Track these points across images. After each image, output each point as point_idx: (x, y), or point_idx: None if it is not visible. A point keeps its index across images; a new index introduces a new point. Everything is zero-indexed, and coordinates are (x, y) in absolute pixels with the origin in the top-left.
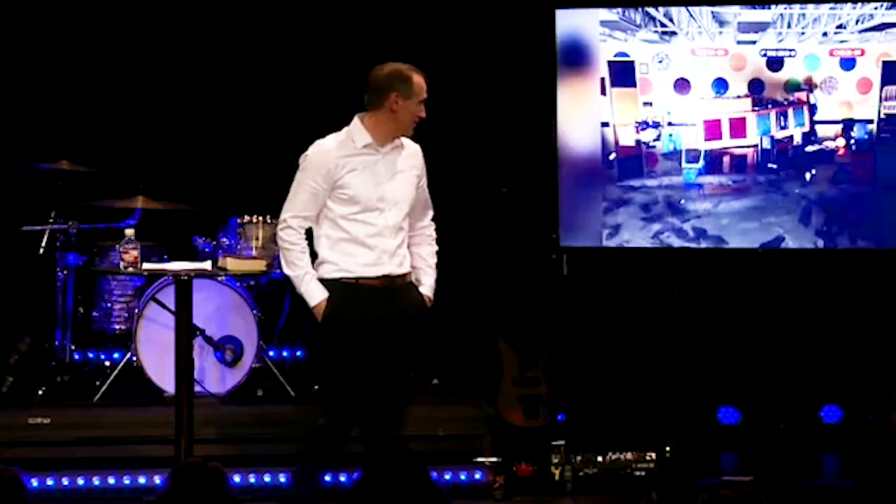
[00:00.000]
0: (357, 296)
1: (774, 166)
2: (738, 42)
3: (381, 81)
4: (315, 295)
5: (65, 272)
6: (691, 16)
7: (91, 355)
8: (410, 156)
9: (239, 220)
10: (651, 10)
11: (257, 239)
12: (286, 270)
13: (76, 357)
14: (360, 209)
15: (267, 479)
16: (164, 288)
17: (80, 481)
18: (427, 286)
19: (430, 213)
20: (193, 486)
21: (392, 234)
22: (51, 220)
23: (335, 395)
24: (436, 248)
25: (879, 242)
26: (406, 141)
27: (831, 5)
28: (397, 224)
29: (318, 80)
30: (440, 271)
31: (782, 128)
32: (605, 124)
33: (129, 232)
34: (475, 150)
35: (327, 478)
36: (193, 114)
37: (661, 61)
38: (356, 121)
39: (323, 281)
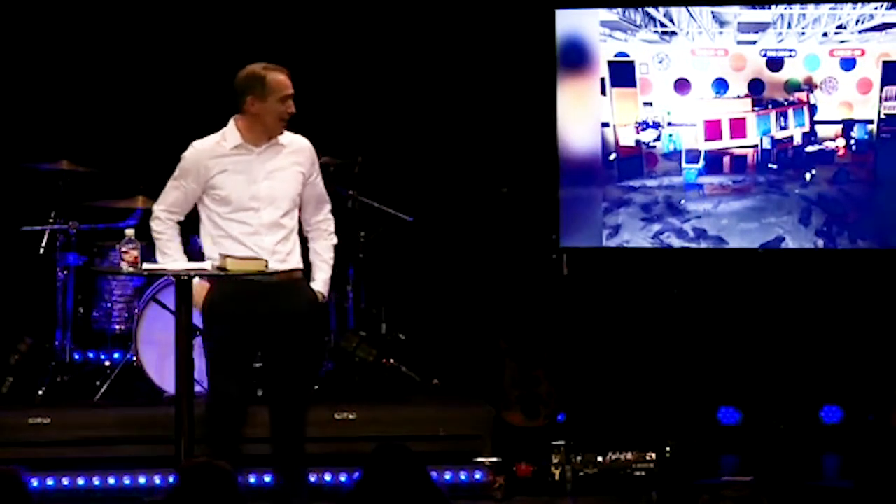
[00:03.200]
0: (235, 289)
1: (774, 166)
2: (739, 42)
3: (237, 85)
4: None
5: (65, 272)
6: (691, 16)
7: (91, 355)
8: (294, 152)
9: None
10: (651, 11)
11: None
12: (158, 259)
13: (76, 357)
14: (234, 209)
15: (267, 479)
16: (164, 288)
17: (80, 481)
18: (320, 281)
19: (327, 208)
20: (202, 486)
21: (269, 231)
22: (51, 220)
23: (210, 387)
24: (333, 241)
25: (879, 242)
26: (292, 138)
27: (831, 5)
28: (273, 222)
29: (319, 81)
30: (440, 271)
31: (782, 128)
32: (605, 124)
33: (130, 232)
34: (475, 150)
35: (327, 477)
36: (193, 114)
37: (661, 61)
38: (231, 122)
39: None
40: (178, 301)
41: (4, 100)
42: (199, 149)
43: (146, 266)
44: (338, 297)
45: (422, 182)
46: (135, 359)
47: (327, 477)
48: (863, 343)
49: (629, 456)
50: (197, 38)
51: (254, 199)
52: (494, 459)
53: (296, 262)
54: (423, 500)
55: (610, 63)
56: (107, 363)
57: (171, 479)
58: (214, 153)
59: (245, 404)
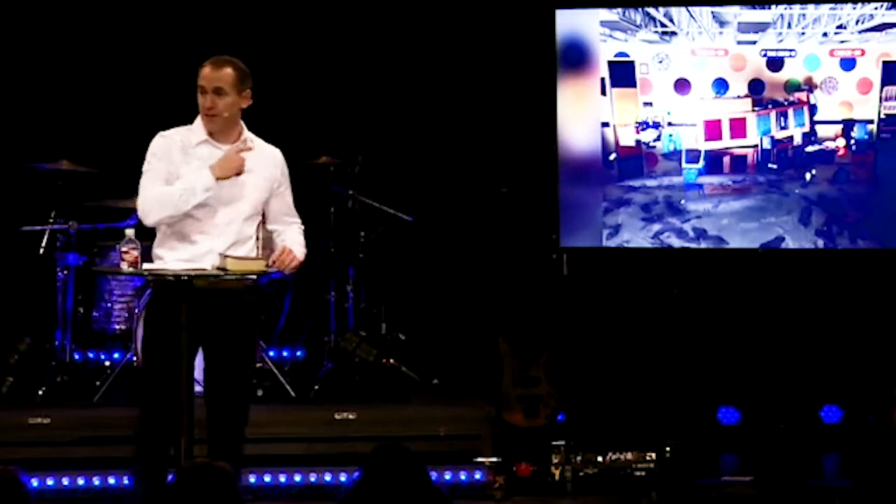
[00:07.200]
0: (175, 293)
1: (774, 166)
2: (739, 42)
3: None
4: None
5: (65, 272)
6: (691, 16)
7: (91, 355)
8: (262, 159)
9: None
10: (651, 11)
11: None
12: (183, 196)
13: (76, 357)
14: None
15: (267, 479)
16: None
17: (80, 481)
18: (292, 242)
19: (296, 223)
20: (200, 486)
21: (220, 234)
22: (51, 220)
23: (141, 390)
24: (301, 232)
25: (879, 242)
26: (263, 145)
27: (831, 5)
28: (227, 225)
29: (319, 81)
30: (440, 271)
31: (782, 128)
32: (605, 124)
33: (130, 232)
34: (475, 150)
35: (327, 477)
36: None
37: (661, 61)
38: (198, 117)
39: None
40: (178, 301)
41: (4, 100)
42: (168, 136)
43: (146, 266)
44: (338, 297)
45: (422, 182)
46: (135, 359)
47: (327, 477)
48: (863, 343)
49: (629, 456)
50: (197, 38)
51: (212, 198)
52: (494, 459)
53: (195, 269)
54: (423, 500)
55: (610, 63)
56: (107, 363)
57: (170, 479)
58: (182, 145)
59: (178, 406)
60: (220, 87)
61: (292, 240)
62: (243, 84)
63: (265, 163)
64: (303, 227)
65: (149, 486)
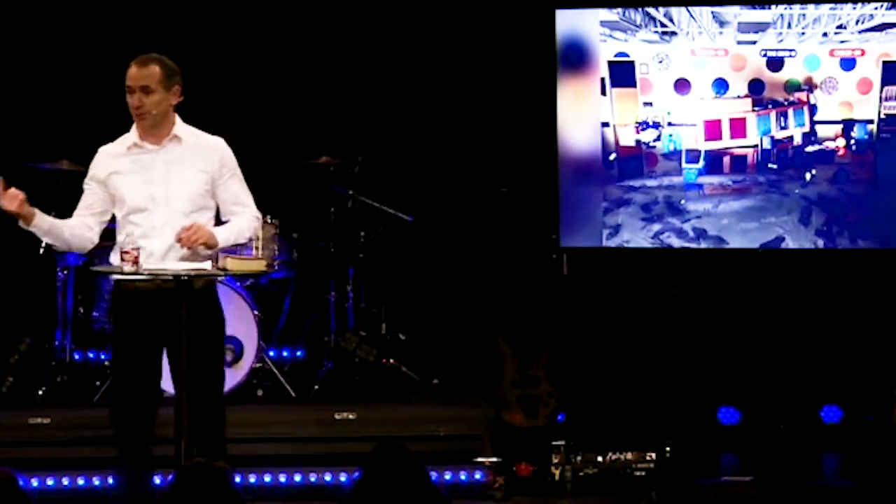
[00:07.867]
0: (128, 298)
1: (774, 166)
2: (739, 42)
3: None
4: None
5: (65, 272)
6: (691, 16)
7: (91, 355)
8: (196, 150)
9: None
10: (651, 11)
11: (257, 239)
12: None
13: (76, 357)
14: (128, 210)
15: (267, 479)
16: None
17: (80, 481)
18: (220, 227)
19: (248, 211)
20: (198, 486)
21: (160, 234)
22: None
23: (113, 395)
24: (252, 220)
25: (879, 242)
26: (198, 135)
27: (831, 5)
28: (166, 224)
29: (319, 81)
30: (440, 271)
31: (782, 128)
32: (605, 124)
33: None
34: (475, 150)
35: (327, 477)
36: (192, 115)
37: (661, 61)
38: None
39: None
40: (177, 302)
41: (4, 100)
42: (101, 151)
43: (146, 266)
44: (338, 297)
45: (422, 182)
46: None
47: (327, 477)
48: (863, 343)
49: (629, 456)
50: (198, 38)
51: (147, 200)
52: (494, 459)
53: (200, 267)
54: (423, 500)
55: (610, 63)
56: (107, 363)
57: (161, 480)
58: (113, 153)
59: (149, 405)
60: (147, 86)
61: (232, 224)
62: (170, 80)
63: (201, 155)
64: (257, 215)
65: (129, 485)
